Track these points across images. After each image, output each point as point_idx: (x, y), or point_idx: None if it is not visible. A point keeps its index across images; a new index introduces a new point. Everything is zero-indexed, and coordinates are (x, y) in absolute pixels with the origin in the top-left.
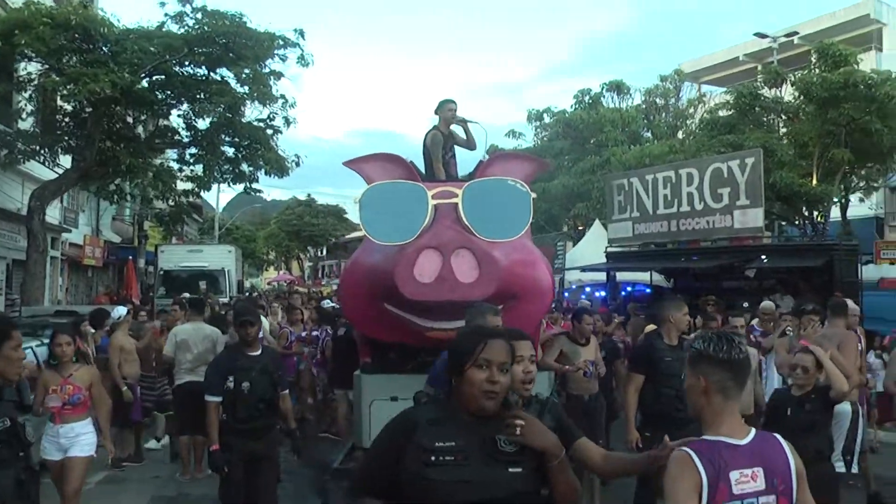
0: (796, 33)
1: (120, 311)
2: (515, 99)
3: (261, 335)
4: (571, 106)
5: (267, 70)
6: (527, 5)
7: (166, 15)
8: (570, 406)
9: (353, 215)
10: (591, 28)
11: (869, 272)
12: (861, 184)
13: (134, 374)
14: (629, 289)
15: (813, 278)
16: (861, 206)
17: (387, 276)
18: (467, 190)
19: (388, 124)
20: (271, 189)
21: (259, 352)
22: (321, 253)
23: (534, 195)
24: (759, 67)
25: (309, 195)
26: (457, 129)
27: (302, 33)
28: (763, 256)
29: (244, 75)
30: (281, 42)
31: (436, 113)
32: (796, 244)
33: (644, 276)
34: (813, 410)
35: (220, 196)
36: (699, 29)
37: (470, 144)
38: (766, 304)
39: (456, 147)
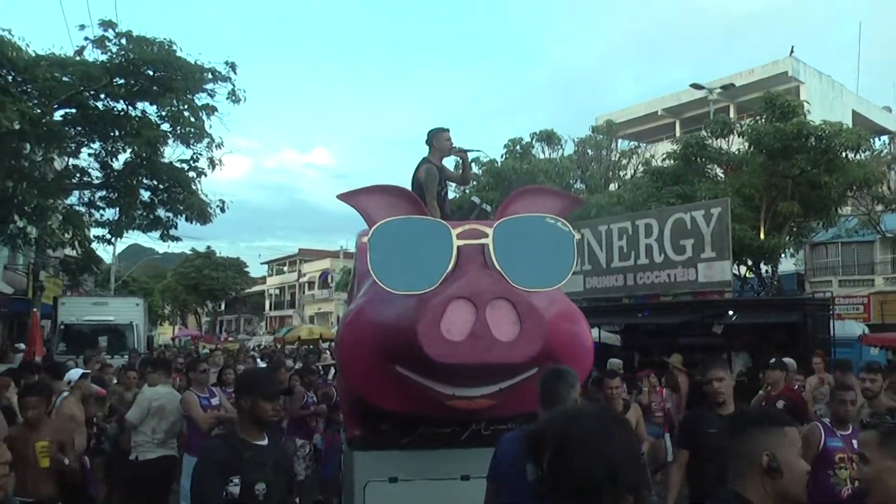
0: (733, 85)
1: (74, 374)
2: (408, 152)
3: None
4: (502, 156)
5: (198, 104)
6: (417, 58)
7: (86, 39)
8: None
9: (253, 269)
10: (482, 82)
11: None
12: (790, 238)
13: (82, 448)
14: None
15: (776, 335)
16: (785, 262)
17: (404, 332)
18: (499, 229)
19: (286, 178)
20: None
21: (266, 440)
22: (220, 307)
23: (578, 236)
24: (678, 123)
25: (209, 247)
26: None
27: (233, 67)
28: (731, 311)
29: (167, 111)
30: (210, 75)
31: (427, 143)
32: (766, 299)
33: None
34: None
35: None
36: (597, 83)
37: (465, 178)
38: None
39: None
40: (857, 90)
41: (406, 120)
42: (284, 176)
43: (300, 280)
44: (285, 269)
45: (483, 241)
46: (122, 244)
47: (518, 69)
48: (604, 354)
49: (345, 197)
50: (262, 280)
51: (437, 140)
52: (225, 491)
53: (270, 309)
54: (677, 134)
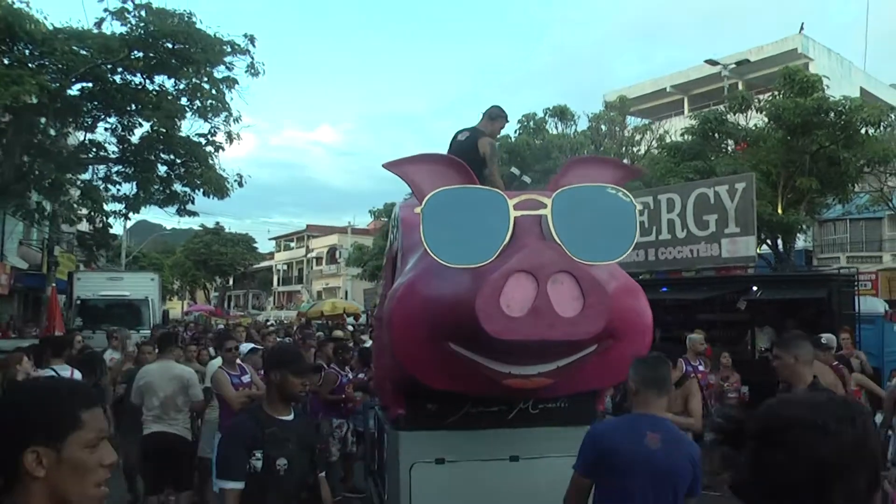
0: (747, 61)
1: (244, 347)
2: (412, 130)
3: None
4: (515, 131)
5: (219, 77)
6: (422, 35)
7: (106, 10)
8: None
9: (261, 245)
10: (486, 60)
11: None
12: (805, 214)
13: None
14: None
15: (800, 311)
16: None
17: (461, 308)
18: (558, 198)
19: (291, 156)
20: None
21: (292, 416)
22: (228, 283)
23: (639, 207)
24: (686, 99)
25: (217, 223)
26: None
27: (252, 39)
28: (755, 287)
29: (184, 85)
30: (229, 48)
31: (491, 118)
32: (791, 274)
33: None
34: None
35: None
36: (598, 62)
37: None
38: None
39: None
40: (865, 68)
41: (408, 98)
42: (290, 153)
43: (308, 255)
44: (293, 244)
45: (541, 211)
46: (129, 221)
47: (521, 49)
48: None
49: (392, 166)
50: (270, 256)
51: (495, 121)
52: (248, 464)
53: (278, 284)
54: (685, 111)
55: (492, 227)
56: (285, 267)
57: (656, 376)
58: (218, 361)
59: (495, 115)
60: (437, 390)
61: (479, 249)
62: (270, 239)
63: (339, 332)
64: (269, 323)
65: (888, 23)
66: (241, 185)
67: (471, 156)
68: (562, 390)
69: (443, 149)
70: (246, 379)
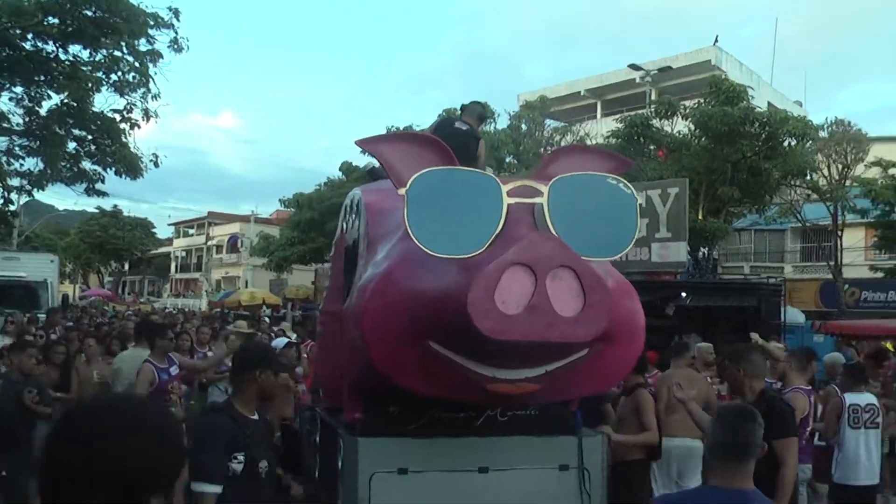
0: (669, 67)
1: (279, 342)
2: (321, 121)
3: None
4: (433, 126)
5: (142, 49)
6: (329, 25)
7: None
8: None
9: (161, 230)
10: (393, 55)
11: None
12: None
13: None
14: None
15: (728, 318)
16: None
17: (447, 301)
18: (555, 186)
19: (192, 141)
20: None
21: (257, 416)
22: (124, 267)
23: (640, 200)
24: (600, 104)
25: (115, 206)
26: None
27: (177, 13)
28: (683, 293)
29: (101, 56)
30: (152, 21)
31: (480, 119)
32: (721, 282)
33: None
34: None
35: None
36: (505, 66)
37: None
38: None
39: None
40: (772, 82)
41: (311, 88)
42: (191, 138)
43: (208, 243)
44: (193, 231)
45: (537, 199)
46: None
47: (425, 45)
48: None
49: (365, 143)
50: (169, 242)
51: (480, 123)
52: (227, 467)
53: (176, 271)
54: (598, 115)
55: (482, 214)
56: (184, 254)
57: (738, 442)
58: (134, 352)
59: (483, 117)
60: (398, 393)
61: (467, 238)
62: (170, 224)
63: (242, 323)
64: (166, 310)
65: (794, 35)
66: (156, 165)
67: (468, 149)
68: (548, 397)
69: (348, 138)
70: (174, 371)
